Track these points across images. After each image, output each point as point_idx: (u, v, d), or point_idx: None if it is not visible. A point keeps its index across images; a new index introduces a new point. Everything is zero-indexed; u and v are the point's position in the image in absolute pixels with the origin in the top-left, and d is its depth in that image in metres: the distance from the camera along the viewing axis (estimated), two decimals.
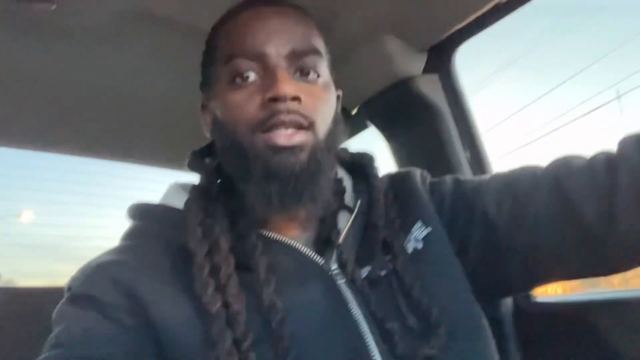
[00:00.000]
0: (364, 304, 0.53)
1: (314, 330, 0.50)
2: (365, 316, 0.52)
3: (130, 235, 0.59)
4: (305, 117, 0.52)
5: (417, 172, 0.69)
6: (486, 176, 0.65)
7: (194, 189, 0.57)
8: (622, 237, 0.51)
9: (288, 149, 0.51)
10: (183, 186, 0.60)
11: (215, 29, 0.60)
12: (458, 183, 0.66)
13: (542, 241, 0.56)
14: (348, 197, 0.63)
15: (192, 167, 0.61)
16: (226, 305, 0.48)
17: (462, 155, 0.99)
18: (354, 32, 0.89)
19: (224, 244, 0.52)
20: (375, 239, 0.58)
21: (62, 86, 0.98)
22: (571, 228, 0.54)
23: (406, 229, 0.61)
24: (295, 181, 0.51)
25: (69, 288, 0.53)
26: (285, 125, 0.51)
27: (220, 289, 0.49)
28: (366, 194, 0.62)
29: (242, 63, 0.54)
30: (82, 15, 0.78)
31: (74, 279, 0.54)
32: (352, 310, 0.52)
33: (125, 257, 0.54)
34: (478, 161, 0.98)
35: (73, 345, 0.47)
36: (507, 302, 0.87)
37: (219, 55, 0.57)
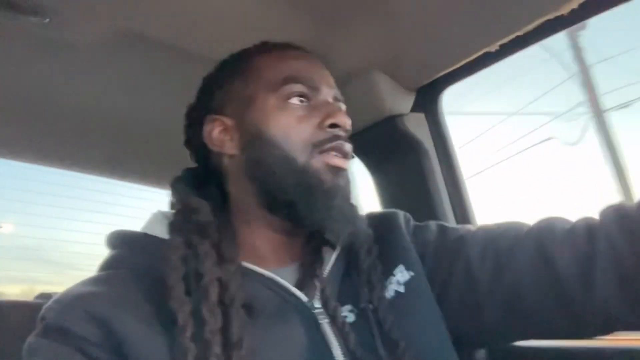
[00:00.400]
0: (344, 343, 0.53)
1: None
2: (345, 355, 0.52)
3: (109, 265, 0.57)
4: (350, 149, 0.60)
5: (401, 214, 0.69)
6: (471, 227, 0.66)
7: (179, 218, 0.56)
8: (599, 303, 0.52)
9: (343, 172, 0.58)
10: (166, 215, 0.59)
11: (251, 55, 0.63)
12: (443, 230, 0.67)
13: (521, 300, 0.56)
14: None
15: (179, 192, 0.59)
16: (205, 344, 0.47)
17: (444, 193, 1.01)
18: (347, 67, 0.91)
19: (213, 292, 0.49)
20: (359, 278, 0.58)
21: (49, 99, 0.96)
22: (550, 290, 0.55)
23: (388, 272, 0.61)
24: (349, 200, 0.58)
25: (43, 318, 0.51)
26: (340, 152, 0.57)
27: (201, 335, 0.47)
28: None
29: (299, 88, 0.58)
30: (74, 31, 0.77)
31: (49, 310, 0.51)
32: (332, 351, 0.52)
33: (102, 289, 0.52)
34: (460, 200, 1.00)
35: None
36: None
37: (266, 76, 0.60)
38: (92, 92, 0.95)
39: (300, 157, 0.55)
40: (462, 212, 1.00)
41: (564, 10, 0.70)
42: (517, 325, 0.59)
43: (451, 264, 0.62)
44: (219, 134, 0.61)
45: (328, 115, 0.57)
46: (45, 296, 0.98)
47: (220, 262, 0.52)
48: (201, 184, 0.62)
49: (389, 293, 0.59)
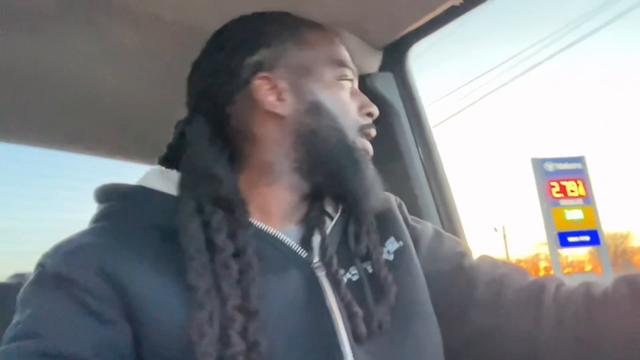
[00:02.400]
0: (338, 294, 0.56)
1: (287, 310, 0.52)
2: (337, 304, 0.55)
3: (106, 216, 0.55)
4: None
5: (393, 198, 0.73)
6: (467, 251, 0.70)
7: (187, 175, 0.55)
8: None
9: (370, 156, 0.64)
10: (165, 172, 0.59)
11: (302, 26, 0.65)
12: (439, 235, 0.72)
13: (474, 331, 0.61)
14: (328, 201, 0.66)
15: (203, 155, 0.56)
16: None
17: (414, 152, 1.03)
18: None
19: (228, 248, 0.50)
20: (357, 244, 0.62)
21: (19, 72, 0.91)
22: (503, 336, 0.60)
23: (380, 243, 0.64)
24: (375, 180, 0.62)
25: (42, 265, 0.49)
26: (370, 137, 0.65)
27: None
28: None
29: (350, 74, 0.65)
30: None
31: (49, 257, 0.49)
32: (326, 299, 0.55)
33: (109, 241, 0.50)
34: (430, 157, 1.02)
35: (48, 336, 0.44)
36: None
37: (323, 52, 0.63)
38: (68, 65, 0.91)
39: (350, 134, 0.61)
40: (432, 171, 1.03)
41: None
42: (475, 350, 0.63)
43: (450, 276, 0.65)
44: (266, 93, 0.60)
45: (365, 105, 0.65)
46: (20, 276, 0.95)
47: (234, 227, 0.52)
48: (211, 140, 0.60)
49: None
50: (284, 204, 0.61)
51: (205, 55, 0.65)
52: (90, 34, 0.84)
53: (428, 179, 1.03)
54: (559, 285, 0.61)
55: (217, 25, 0.66)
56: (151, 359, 0.47)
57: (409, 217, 0.72)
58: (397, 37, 0.94)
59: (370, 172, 0.61)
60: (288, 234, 0.59)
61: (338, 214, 0.65)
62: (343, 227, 0.64)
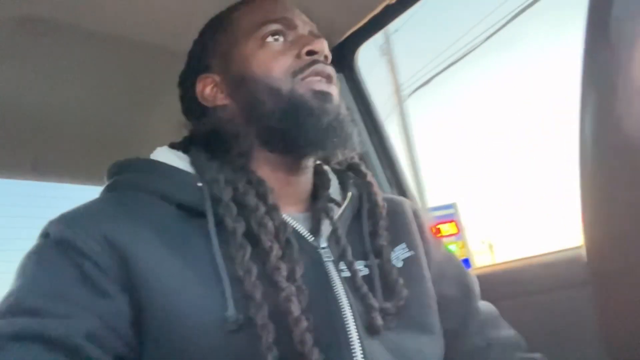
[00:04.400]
0: (353, 284, 0.54)
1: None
2: (345, 292, 0.53)
3: (116, 187, 0.54)
4: (332, 71, 0.61)
5: (408, 204, 0.71)
6: (468, 279, 0.69)
7: (200, 153, 0.58)
8: None
9: (329, 95, 0.58)
10: (174, 151, 0.60)
11: (231, 11, 0.65)
12: (450, 257, 0.70)
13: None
14: (334, 190, 0.65)
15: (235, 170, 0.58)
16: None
17: (372, 152, 1.05)
18: None
19: (269, 222, 0.51)
20: (372, 238, 0.60)
21: None
22: None
23: (392, 246, 0.62)
24: (340, 124, 0.58)
25: (45, 234, 0.47)
26: (322, 74, 0.59)
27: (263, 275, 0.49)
28: (356, 190, 0.65)
29: (275, 27, 0.61)
30: None
31: (53, 224, 0.47)
32: (334, 286, 0.53)
33: (115, 209, 0.49)
34: (385, 152, 1.05)
35: (41, 312, 0.42)
36: None
37: (243, 24, 0.62)
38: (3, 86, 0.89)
39: (284, 86, 0.58)
40: (392, 171, 1.06)
41: None
42: None
43: (450, 302, 0.64)
44: (210, 91, 0.63)
45: (304, 45, 0.60)
46: None
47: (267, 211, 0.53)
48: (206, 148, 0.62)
49: None
50: (278, 183, 0.59)
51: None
52: (50, 56, 0.84)
53: (387, 178, 1.05)
54: None
55: (184, 45, 0.68)
56: (152, 334, 0.45)
57: (426, 226, 0.69)
58: (341, 38, 0.97)
59: (326, 113, 0.57)
60: (296, 219, 0.58)
61: (348, 198, 0.63)
62: (350, 218, 0.62)
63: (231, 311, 0.45)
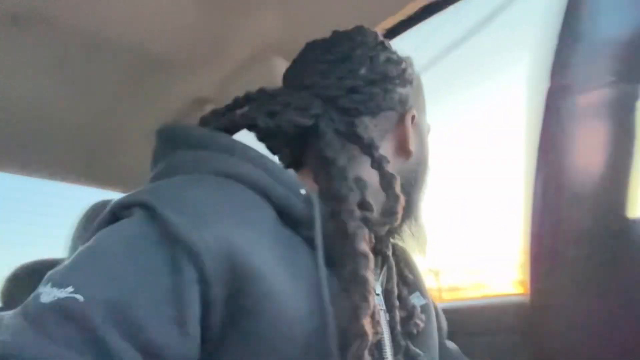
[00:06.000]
0: (392, 321, 0.53)
1: None
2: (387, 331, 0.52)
3: (194, 168, 0.43)
4: None
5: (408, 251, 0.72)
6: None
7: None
8: None
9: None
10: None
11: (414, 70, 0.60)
12: (436, 307, 0.69)
13: None
14: None
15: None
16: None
17: None
18: (247, 53, 0.92)
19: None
20: (404, 281, 0.60)
21: None
22: None
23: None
24: None
25: (145, 206, 0.36)
26: None
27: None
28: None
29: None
30: None
31: (158, 200, 0.36)
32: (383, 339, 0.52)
33: (236, 207, 0.39)
34: None
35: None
36: None
37: (423, 101, 0.61)
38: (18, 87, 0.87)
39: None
40: None
41: None
42: None
43: (438, 349, 0.64)
44: (412, 126, 0.57)
45: None
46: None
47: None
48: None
49: None
50: None
51: (365, 57, 0.55)
52: (40, 55, 0.82)
53: None
54: None
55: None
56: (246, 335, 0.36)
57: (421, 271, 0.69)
58: None
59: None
60: None
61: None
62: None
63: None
